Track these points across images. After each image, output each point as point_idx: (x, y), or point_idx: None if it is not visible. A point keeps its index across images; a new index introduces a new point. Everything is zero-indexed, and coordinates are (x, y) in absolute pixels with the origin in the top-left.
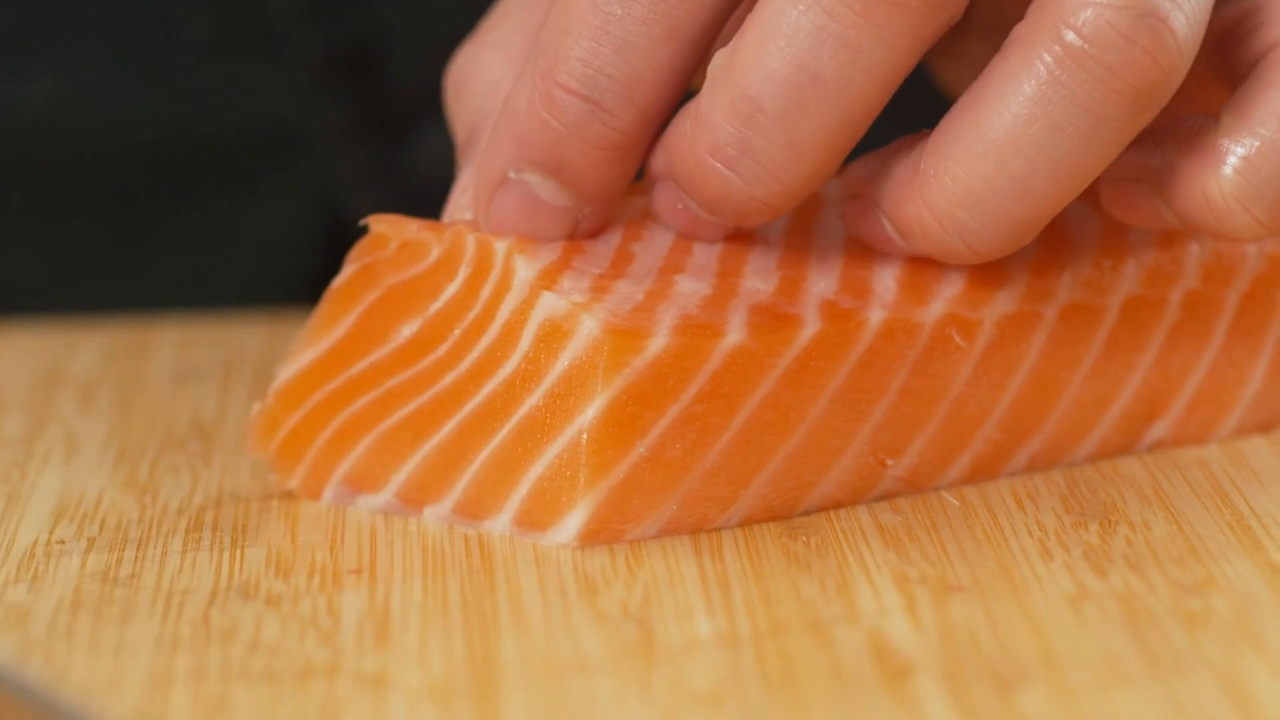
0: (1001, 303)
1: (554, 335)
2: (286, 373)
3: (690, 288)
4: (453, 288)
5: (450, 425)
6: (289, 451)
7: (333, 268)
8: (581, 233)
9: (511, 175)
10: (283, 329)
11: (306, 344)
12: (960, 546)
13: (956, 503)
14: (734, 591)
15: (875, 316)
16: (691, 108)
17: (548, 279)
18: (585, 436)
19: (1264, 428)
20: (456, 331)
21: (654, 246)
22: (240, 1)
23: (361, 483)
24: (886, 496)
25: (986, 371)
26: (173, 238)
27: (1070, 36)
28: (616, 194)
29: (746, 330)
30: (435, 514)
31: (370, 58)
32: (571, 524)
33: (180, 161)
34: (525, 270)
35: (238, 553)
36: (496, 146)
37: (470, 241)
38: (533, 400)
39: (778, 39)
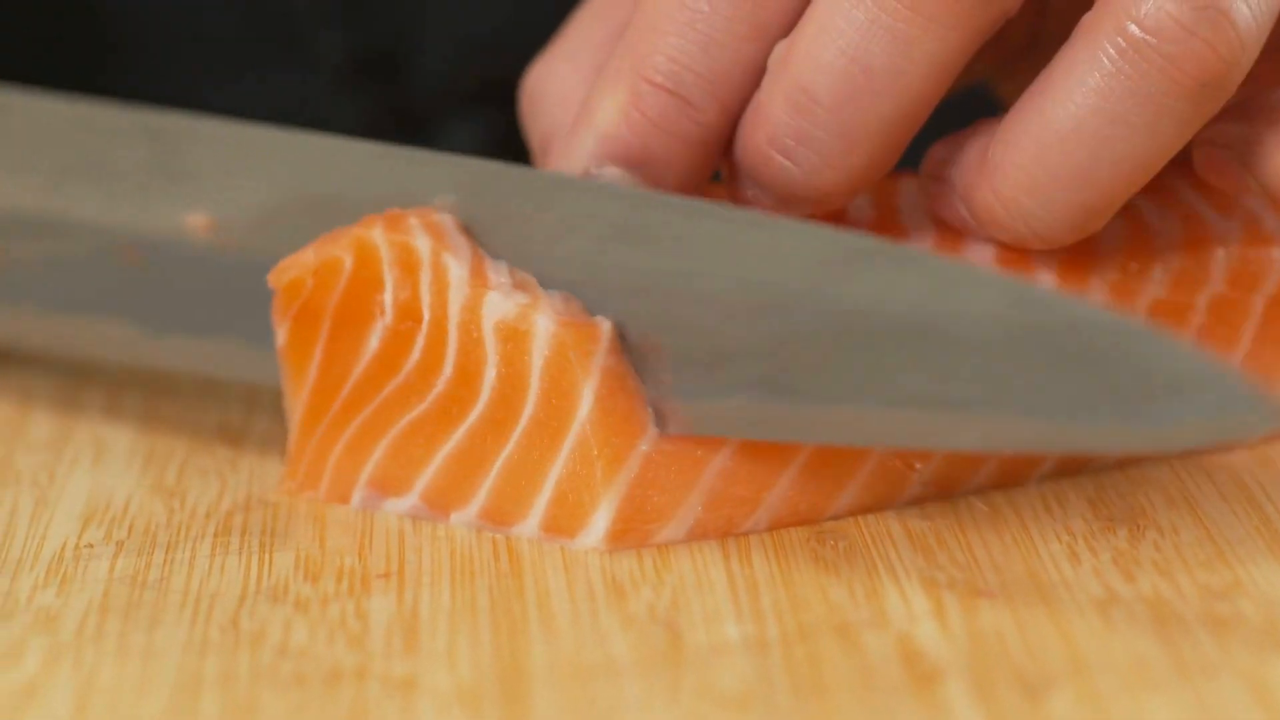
0: None
1: (514, 338)
2: (292, 428)
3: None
4: (390, 292)
5: (460, 431)
6: (313, 473)
7: None
8: None
9: (593, 171)
10: None
11: (292, 401)
12: (989, 552)
13: (985, 508)
14: (762, 596)
15: None
16: (753, 98)
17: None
18: (590, 432)
19: None
20: (419, 338)
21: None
22: (263, 3)
23: (387, 486)
24: (915, 501)
25: None
26: None
27: (1132, 28)
28: (694, 192)
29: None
30: (462, 519)
31: (392, 59)
32: (598, 526)
33: None
34: (457, 269)
35: (266, 557)
36: (578, 144)
37: (381, 239)
38: (529, 404)
39: (832, 32)
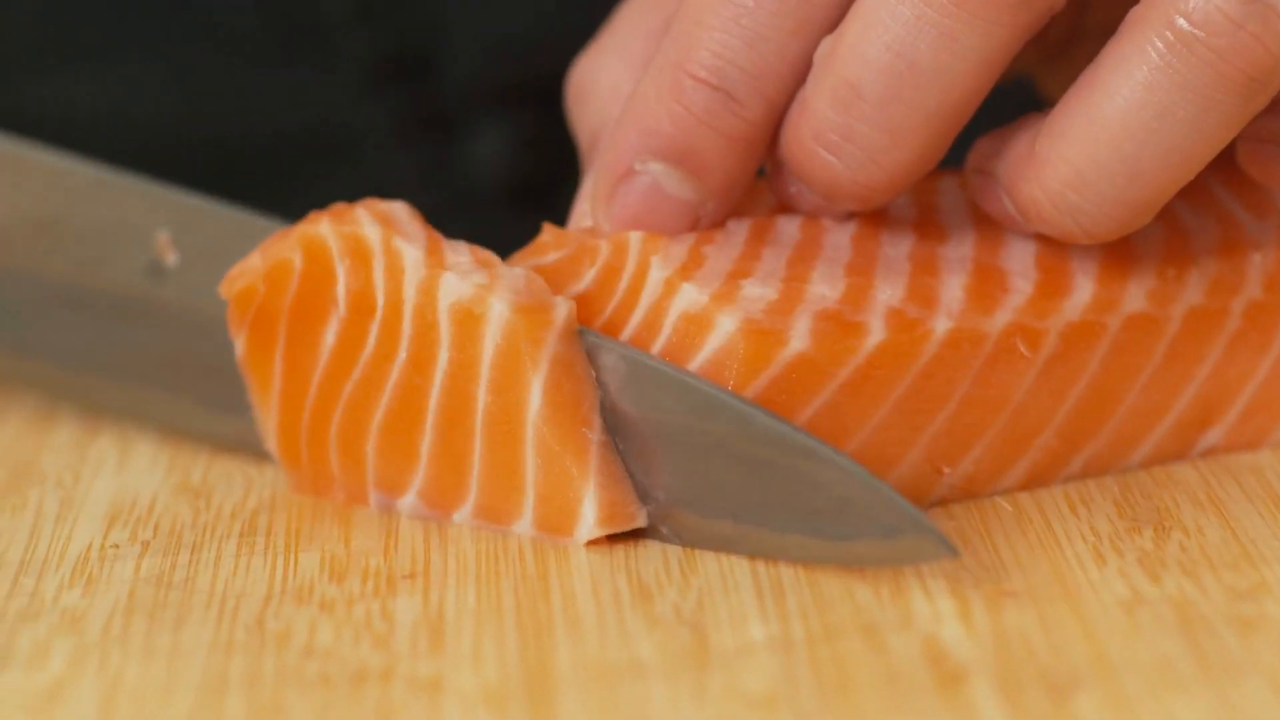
0: (1067, 312)
1: (468, 321)
2: (270, 436)
3: (756, 293)
4: (343, 284)
5: (427, 424)
6: (321, 477)
7: None
8: (702, 228)
9: (636, 167)
10: None
11: (263, 411)
12: (1014, 552)
13: (1010, 508)
14: (788, 596)
15: (941, 326)
16: (798, 94)
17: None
18: (545, 430)
19: None
20: (374, 326)
21: (725, 249)
22: (291, 5)
23: (389, 486)
24: (941, 503)
25: (1048, 381)
26: None
27: (1181, 22)
28: (738, 190)
29: (810, 338)
30: (461, 518)
31: (420, 60)
32: (587, 519)
33: (229, 164)
34: (411, 253)
35: (291, 557)
36: (622, 138)
37: (329, 232)
38: (480, 396)
39: (878, 28)
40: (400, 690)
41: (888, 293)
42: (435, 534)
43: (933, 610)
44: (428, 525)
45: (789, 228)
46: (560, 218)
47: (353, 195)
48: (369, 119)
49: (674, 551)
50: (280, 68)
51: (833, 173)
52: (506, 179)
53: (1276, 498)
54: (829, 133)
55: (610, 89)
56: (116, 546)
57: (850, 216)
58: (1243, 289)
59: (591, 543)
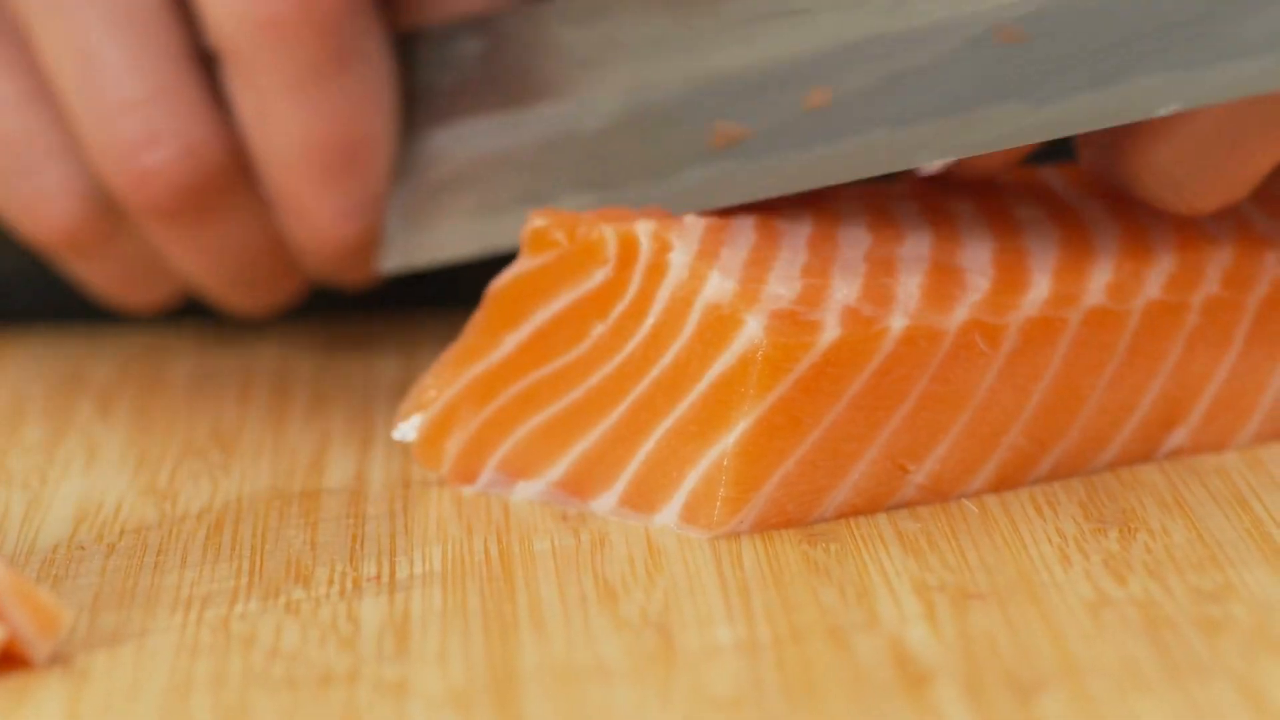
0: (1026, 308)
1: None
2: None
3: (713, 286)
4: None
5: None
6: (433, 439)
7: None
8: None
9: None
10: (298, 336)
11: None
12: (980, 554)
13: (976, 510)
14: (754, 598)
15: (897, 324)
16: None
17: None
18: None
19: None
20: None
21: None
22: None
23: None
24: (910, 504)
25: (1011, 378)
26: None
27: None
28: None
29: (764, 334)
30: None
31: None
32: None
33: None
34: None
35: (258, 559)
36: None
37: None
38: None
39: None
40: (366, 692)
41: (844, 292)
42: (402, 536)
43: (899, 612)
44: (394, 527)
45: (746, 231)
46: None
47: None
48: None
49: (639, 552)
50: None
51: None
52: None
53: (1241, 499)
54: None
55: None
56: (83, 547)
57: (806, 220)
58: (1201, 284)
59: (557, 545)
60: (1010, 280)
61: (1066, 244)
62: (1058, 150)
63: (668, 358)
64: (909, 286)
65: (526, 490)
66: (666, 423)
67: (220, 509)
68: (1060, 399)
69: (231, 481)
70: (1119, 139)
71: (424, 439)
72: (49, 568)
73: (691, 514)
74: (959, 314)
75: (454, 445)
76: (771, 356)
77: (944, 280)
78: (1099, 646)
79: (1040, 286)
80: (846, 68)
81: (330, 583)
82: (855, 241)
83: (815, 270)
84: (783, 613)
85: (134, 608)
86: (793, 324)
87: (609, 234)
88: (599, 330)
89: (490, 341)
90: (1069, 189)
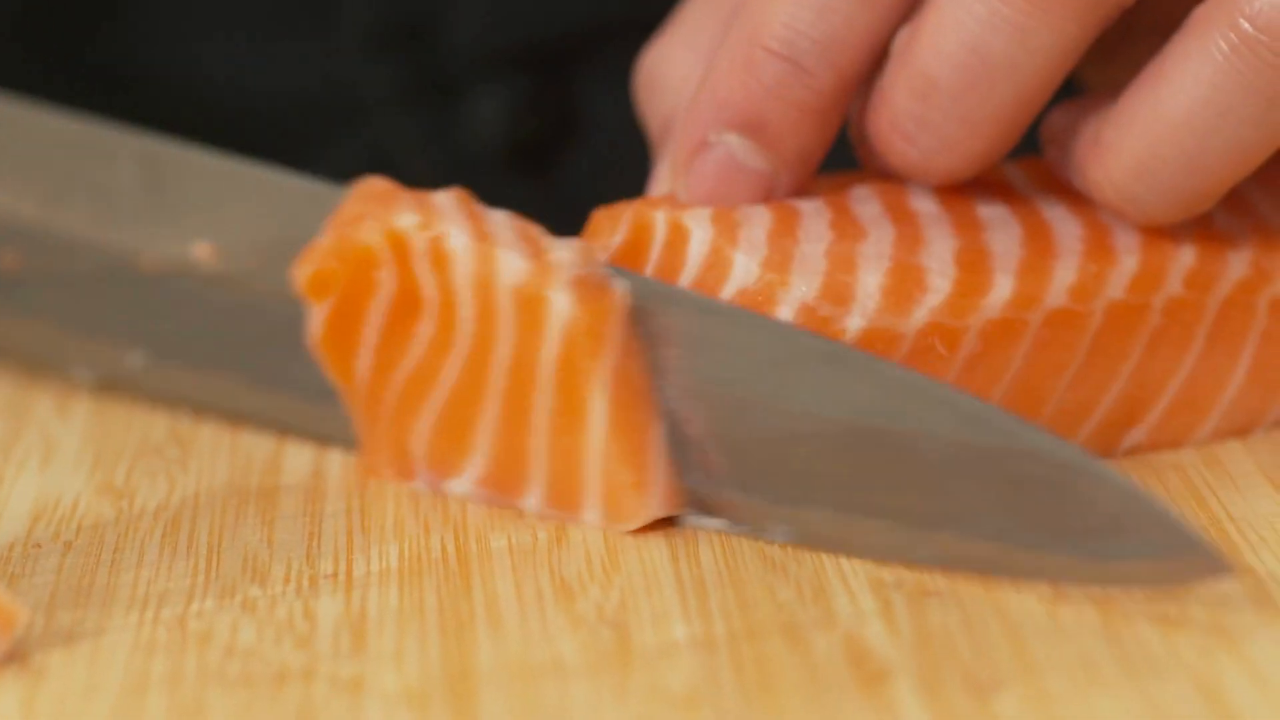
0: (986, 310)
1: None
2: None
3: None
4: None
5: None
6: (368, 441)
7: None
8: (776, 199)
9: (711, 138)
10: None
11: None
12: None
13: None
14: (710, 596)
15: (854, 324)
16: (876, 83)
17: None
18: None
19: (1240, 432)
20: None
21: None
22: None
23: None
24: None
25: (970, 379)
26: None
27: (1245, 25)
28: (813, 161)
29: None
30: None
31: (422, 24)
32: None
33: (232, 128)
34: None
35: (214, 557)
36: (697, 111)
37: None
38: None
39: (953, 23)
40: (322, 690)
41: (802, 289)
42: (359, 534)
43: (855, 609)
44: (350, 525)
45: (705, 225)
46: (561, 181)
47: (355, 159)
48: (370, 83)
49: (596, 549)
50: (282, 32)
51: (908, 159)
52: (508, 143)
53: (1199, 496)
54: (906, 121)
55: (679, 79)
56: (39, 546)
57: (767, 215)
58: (1163, 285)
59: (515, 542)
60: (972, 280)
61: (1029, 243)
62: (1022, 144)
63: (505, 348)
64: (868, 285)
65: (458, 487)
66: (540, 418)
67: (177, 507)
68: (1019, 400)
69: (189, 479)
70: (1085, 149)
71: (362, 442)
72: (5, 565)
73: (612, 509)
74: (918, 316)
75: (384, 446)
76: None
77: (904, 279)
78: (1055, 644)
79: (1002, 287)
80: None
81: (287, 580)
82: (816, 238)
83: (774, 265)
84: (739, 610)
85: (90, 606)
86: None
87: (376, 239)
88: (426, 328)
89: (349, 357)
90: (1031, 185)
